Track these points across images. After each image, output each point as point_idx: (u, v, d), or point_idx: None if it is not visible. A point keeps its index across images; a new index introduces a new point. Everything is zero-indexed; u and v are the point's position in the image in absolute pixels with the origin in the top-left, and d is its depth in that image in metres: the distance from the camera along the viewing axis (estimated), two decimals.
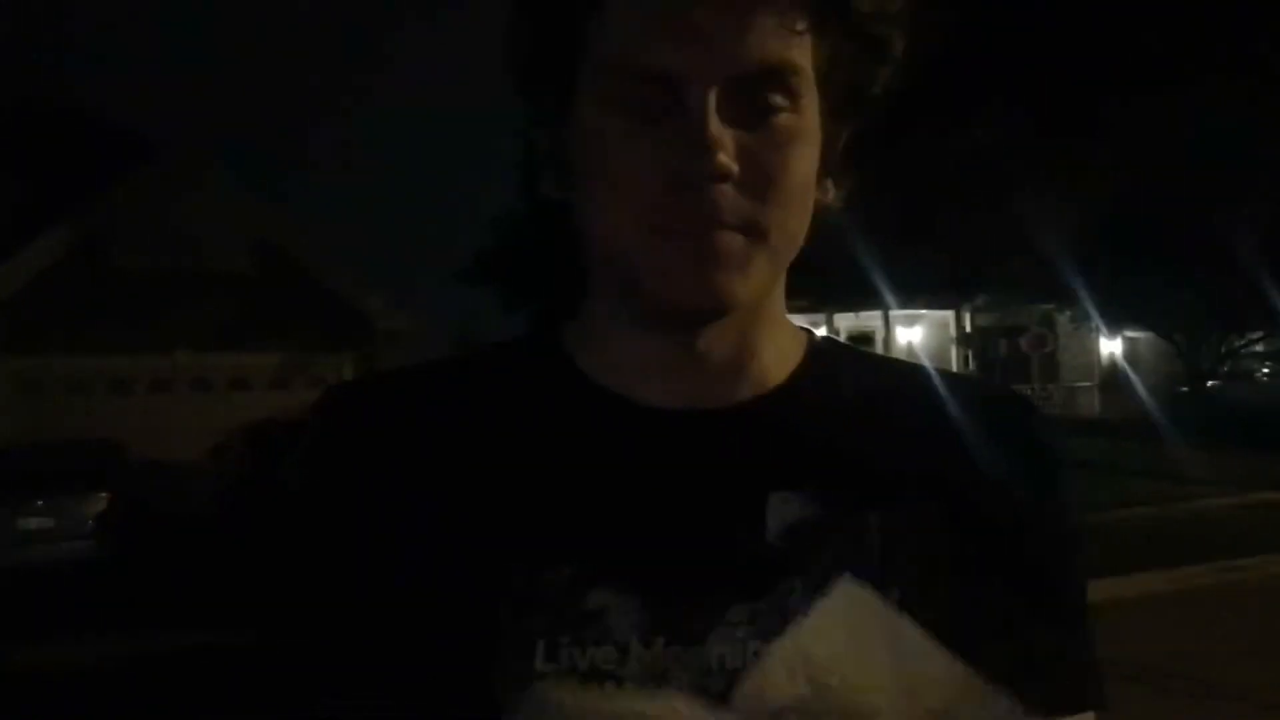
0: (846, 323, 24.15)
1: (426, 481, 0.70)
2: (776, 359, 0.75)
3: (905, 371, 0.79)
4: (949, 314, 25.11)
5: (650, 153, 0.64)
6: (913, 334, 25.00)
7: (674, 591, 0.67)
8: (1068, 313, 23.26)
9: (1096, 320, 23.42)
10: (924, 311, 24.60)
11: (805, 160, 0.67)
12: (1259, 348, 26.21)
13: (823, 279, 18.46)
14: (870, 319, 24.08)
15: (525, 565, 0.67)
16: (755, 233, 0.66)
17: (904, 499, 0.71)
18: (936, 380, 0.78)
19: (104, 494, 11.40)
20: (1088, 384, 26.67)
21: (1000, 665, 0.69)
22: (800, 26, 0.65)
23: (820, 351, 0.78)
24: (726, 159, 0.63)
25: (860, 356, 0.80)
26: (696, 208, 0.64)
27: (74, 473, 11.50)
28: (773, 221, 0.66)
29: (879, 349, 25.03)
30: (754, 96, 0.65)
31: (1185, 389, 23.56)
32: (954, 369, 23.41)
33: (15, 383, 15.92)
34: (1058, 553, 0.75)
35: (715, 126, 0.63)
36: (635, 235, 0.65)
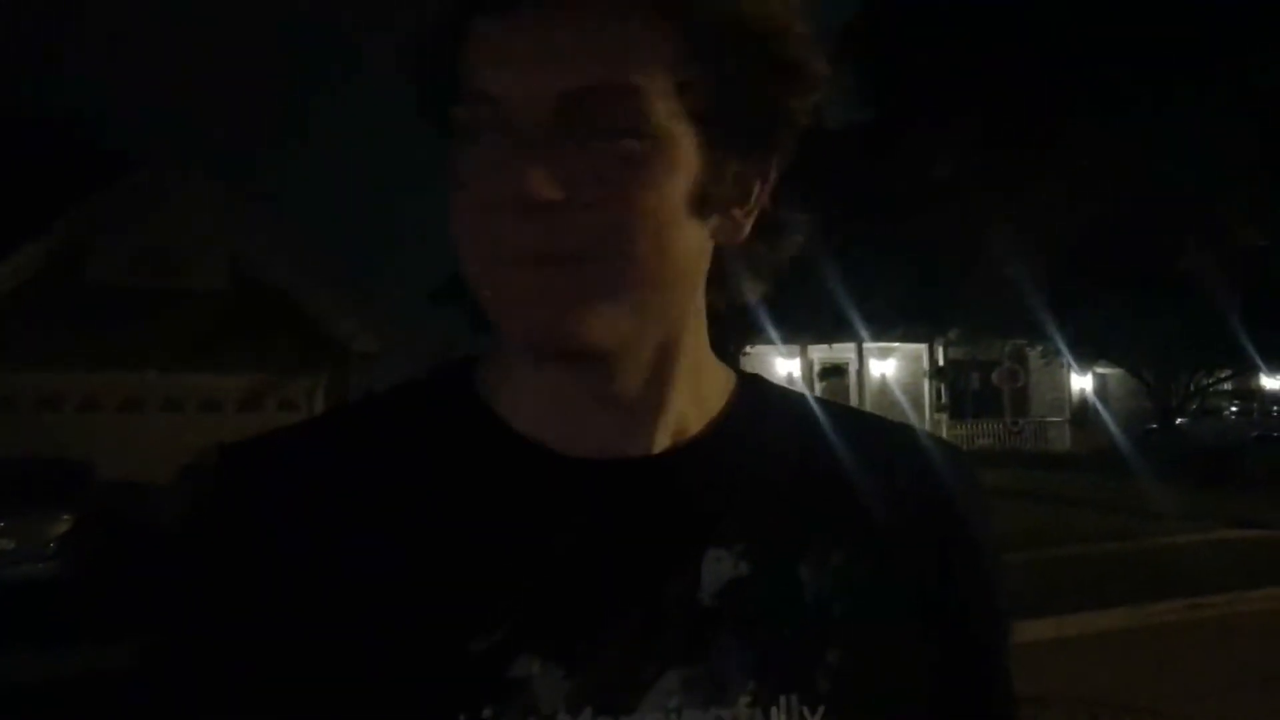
0: (820, 354, 24.26)
1: (334, 544, 0.64)
2: (697, 403, 0.70)
3: (835, 415, 0.75)
4: (922, 347, 25.28)
5: (477, 178, 0.61)
6: (886, 366, 25.14)
7: (602, 658, 0.62)
8: (1039, 348, 23.49)
9: (1067, 356, 23.66)
10: (897, 345, 24.75)
11: (659, 188, 0.61)
12: (1227, 386, 26.56)
13: (795, 311, 18.58)
14: (844, 351, 24.20)
15: (443, 633, 0.62)
16: (593, 265, 0.60)
17: (835, 551, 0.68)
18: (866, 425, 0.75)
19: (66, 515, 11.25)
20: (1059, 419, 26.89)
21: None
22: (640, 48, 0.60)
23: (746, 393, 0.73)
24: (543, 182, 0.58)
25: (788, 398, 0.76)
26: (519, 237, 0.60)
27: (39, 492, 11.35)
28: (614, 252, 0.60)
29: (852, 381, 25.17)
30: (590, 118, 0.60)
31: (1155, 425, 23.80)
32: (926, 402, 23.50)
33: None
34: (986, 607, 0.73)
35: (531, 148, 0.59)
36: (478, 266, 0.62)
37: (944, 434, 24.93)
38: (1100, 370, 26.62)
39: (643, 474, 0.67)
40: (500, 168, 0.60)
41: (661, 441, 0.68)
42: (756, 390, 0.74)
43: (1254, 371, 24.43)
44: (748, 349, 22.27)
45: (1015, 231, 14.79)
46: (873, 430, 0.75)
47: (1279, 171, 12.54)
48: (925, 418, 24.92)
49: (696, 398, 0.70)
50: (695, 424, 0.70)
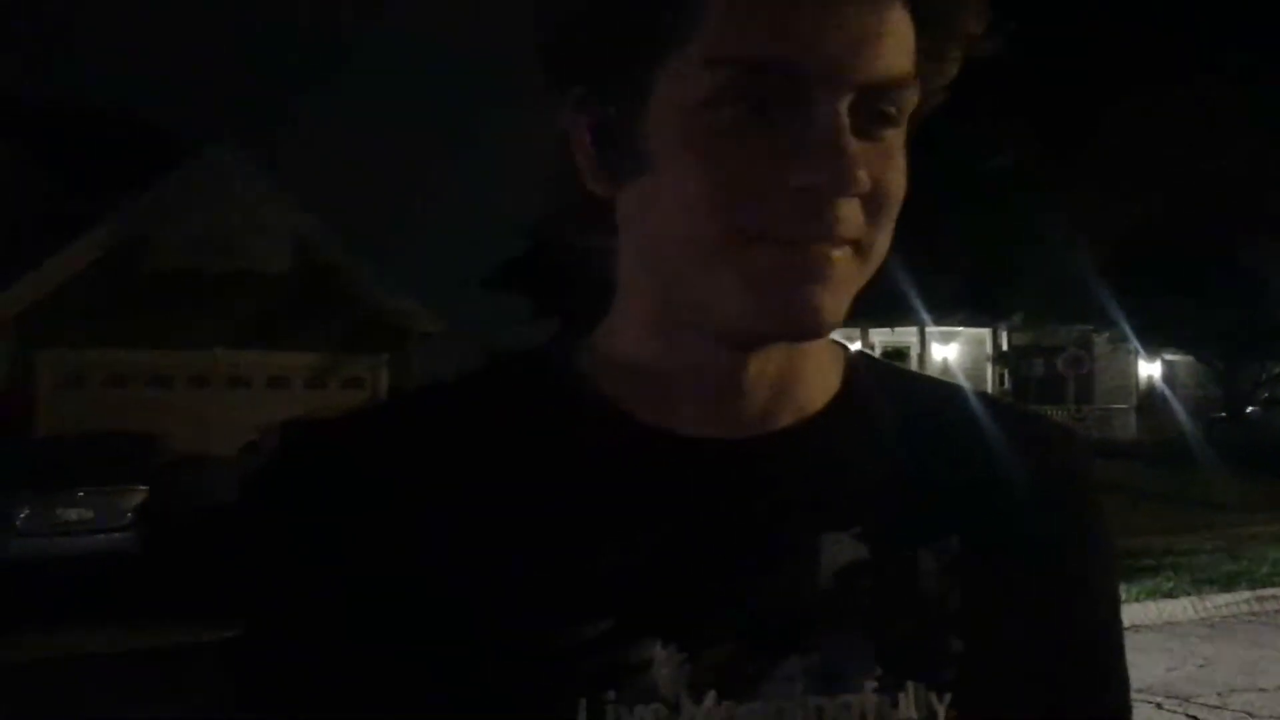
0: (881, 338, 24.03)
1: (443, 530, 0.63)
2: (819, 381, 0.68)
3: (945, 394, 0.74)
4: (985, 332, 24.95)
5: (770, 158, 0.58)
6: (948, 351, 24.86)
7: (724, 642, 0.61)
8: (1105, 334, 23.04)
9: (1134, 342, 23.16)
10: (960, 329, 24.44)
11: (904, 177, 0.62)
12: None
13: (859, 293, 18.30)
14: (906, 335, 23.95)
15: (562, 617, 0.61)
16: (860, 251, 0.61)
17: (953, 537, 0.66)
18: (975, 404, 0.73)
19: (142, 487, 11.56)
20: (1124, 406, 26.40)
21: (1044, 709, 0.66)
22: (913, 39, 0.60)
23: (858, 370, 0.71)
24: (861, 174, 0.57)
25: (898, 374, 0.74)
26: (816, 220, 0.58)
27: (113, 465, 11.67)
28: (876, 240, 0.61)
29: (914, 366, 24.89)
30: (874, 108, 0.59)
31: (1223, 414, 23.26)
32: (989, 388, 23.15)
33: (57, 376, 16.21)
34: (1100, 596, 0.72)
35: (848, 136, 0.58)
36: (727, 243, 0.59)
37: None
38: (1168, 357, 26.06)
39: (764, 452, 0.65)
40: (804, 151, 0.57)
41: (784, 419, 0.66)
42: (867, 363, 0.73)
43: None
44: None
45: (1080, 218, 14.51)
46: (992, 412, 0.72)
47: None
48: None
49: (820, 372, 0.69)
50: (817, 401, 0.68)
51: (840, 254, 0.60)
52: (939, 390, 0.75)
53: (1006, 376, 25.31)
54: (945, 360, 24.83)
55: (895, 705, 0.62)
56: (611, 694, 0.60)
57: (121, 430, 13.22)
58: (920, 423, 0.70)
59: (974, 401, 0.73)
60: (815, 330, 0.61)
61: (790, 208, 0.58)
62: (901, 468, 0.68)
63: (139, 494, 11.43)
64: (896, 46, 0.59)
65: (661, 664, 0.60)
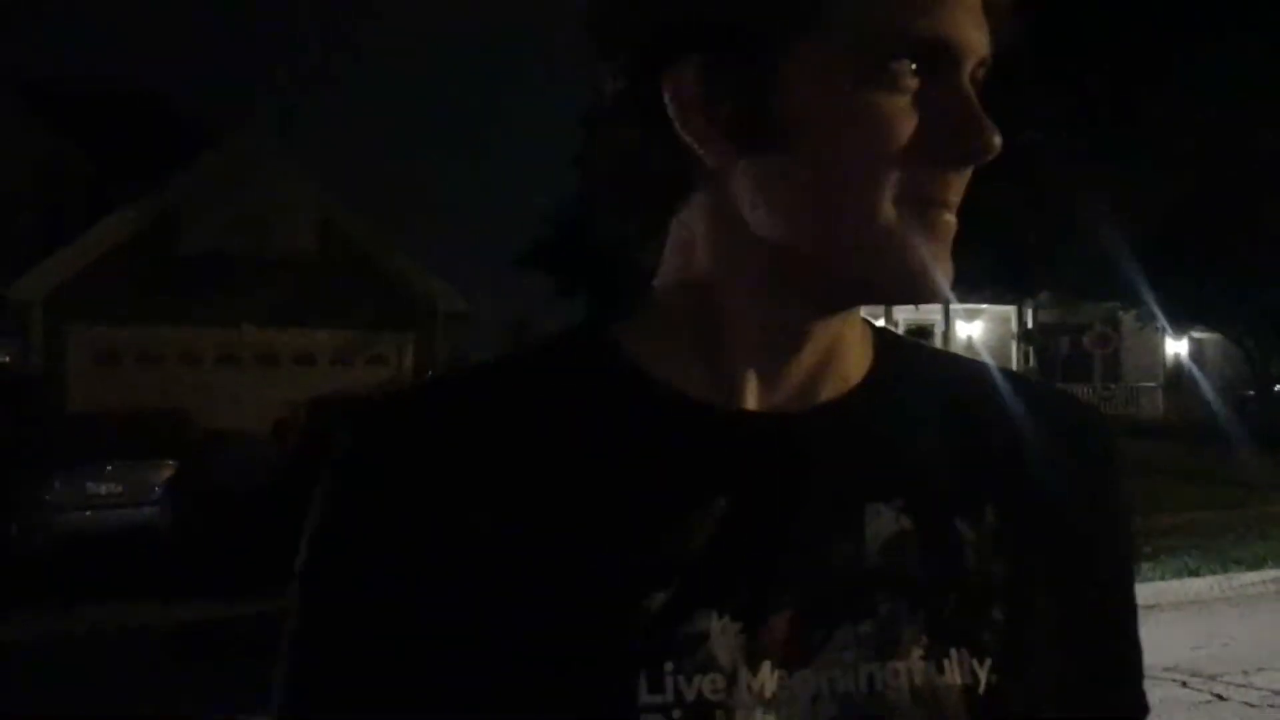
0: (905, 315, 23.91)
1: (501, 506, 0.64)
2: (858, 355, 0.71)
3: (972, 369, 0.76)
4: (1010, 309, 24.77)
5: (917, 130, 0.61)
6: (973, 329, 24.72)
7: (777, 613, 0.63)
8: (1133, 312, 22.84)
9: (1162, 320, 22.92)
10: (985, 306, 24.28)
11: None
12: None
13: None
14: (930, 312, 23.83)
15: (621, 590, 0.62)
16: (957, 217, 0.65)
17: (990, 508, 0.68)
18: (1001, 379, 0.75)
19: (171, 461, 11.68)
20: (1152, 384, 26.19)
21: (1067, 679, 0.69)
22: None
23: (889, 345, 0.73)
24: (995, 135, 0.62)
25: (925, 351, 0.77)
26: (953, 187, 0.63)
27: (143, 440, 11.79)
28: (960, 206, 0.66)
29: (938, 343, 24.75)
30: (975, 80, 0.64)
31: (1252, 393, 23.03)
32: (1014, 366, 23.05)
33: (89, 352, 16.40)
34: (1122, 569, 0.75)
35: (980, 108, 0.62)
36: (876, 210, 0.62)
37: None
38: (1196, 335, 25.81)
39: (810, 425, 0.67)
40: (950, 120, 0.61)
41: (826, 393, 0.68)
42: (895, 339, 0.75)
43: None
44: None
45: (1109, 196, 14.38)
46: (1019, 388, 0.75)
47: None
48: None
49: (858, 347, 0.71)
50: (856, 375, 0.70)
51: (954, 219, 0.64)
52: (964, 365, 0.77)
53: (1032, 354, 25.13)
54: (970, 338, 24.68)
55: (941, 671, 0.64)
56: (670, 665, 0.61)
57: (152, 406, 13.35)
58: (950, 397, 0.72)
59: (999, 377, 0.75)
60: (942, 292, 0.63)
61: (933, 176, 0.62)
62: (936, 441, 0.69)
63: (168, 469, 11.55)
64: (984, 21, 0.63)
65: (718, 635, 0.62)
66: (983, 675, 0.64)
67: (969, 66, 0.62)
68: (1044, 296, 23.61)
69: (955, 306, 23.42)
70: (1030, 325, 25.25)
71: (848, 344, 0.69)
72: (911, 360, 0.74)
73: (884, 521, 0.66)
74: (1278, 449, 15.05)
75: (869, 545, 0.65)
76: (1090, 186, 14.38)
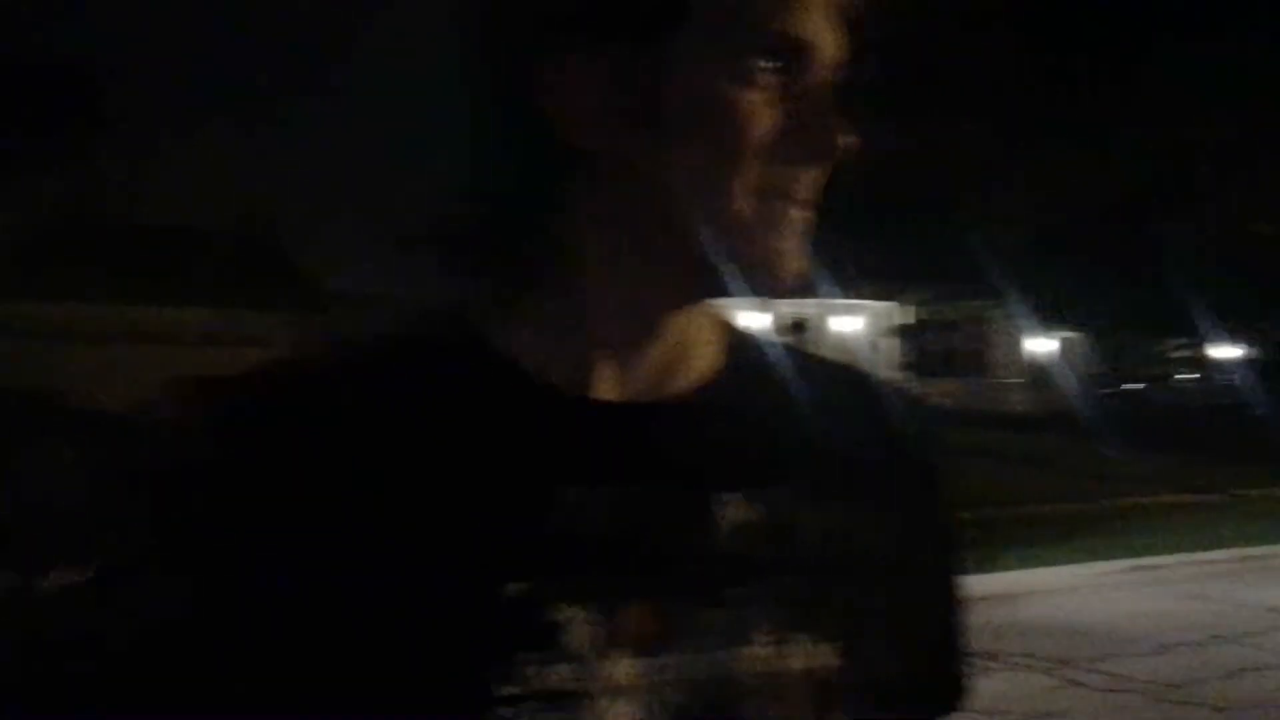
0: (785, 308, 24.32)
1: (354, 493, 0.63)
2: (711, 348, 0.72)
3: (818, 365, 0.78)
4: (888, 305, 25.42)
5: (776, 123, 0.63)
6: (852, 323, 25.29)
7: (630, 601, 0.63)
8: (1002, 310, 23.72)
9: (1029, 319, 23.88)
10: (864, 302, 24.86)
11: None
12: (1182, 354, 26.99)
13: None
14: (809, 306, 24.29)
15: (473, 580, 0.61)
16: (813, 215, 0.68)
17: (829, 497, 0.70)
18: (843, 376, 0.78)
19: (37, 442, 11.17)
20: (1018, 380, 27.21)
21: (895, 661, 0.71)
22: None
23: (741, 341, 0.74)
24: (846, 133, 0.65)
25: (775, 348, 0.78)
26: (807, 185, 0.66)
27: (7, 418, 11.26)
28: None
29: (816, 336, 25.29)
30: (836, 83, 0.67)
31: (1110, 390, 24.16)
32: (890, 360, 23.55)
33: None
34: (943, 556, 0.78)
35: (833, 100, 0.65)
36: (752, 205, 0.64)
37: (907, 394, 25.09)
38: (1062, 333, 26.92)
39: (662, 417, 0.68)
40: (820, 115, 0.64)
41: (681, 384, 0.69)
42: (749, 338, 0.76)
43: (1208, 341, 24.83)
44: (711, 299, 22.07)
45: (986, 198, 14.89)
46: (853, 380, 0.78)
47: (1243, 149, 12.63)
48: (888, 377, 25.08)
49: (713, 339, 0.72)
50: (712, 367, 0.71)
51: (807, 215, 0.66)
52: (811, 362, 0.78)
53: (907, 349, 25.84)
54: (848, 332, 25.23)
55: (789, 657, 0.65)
56: (522, 656, 0.61)
57: (15, 385, 12.75)
58: (797, 392, 0.74)
59: (841, 373, 0.79)
60: (791, 286, 0.66)
61: (787, 172, 0.64)
62: (782, 433, 0.71)
63: (33, 449, 11.03)
64: (841, 26, 0.66)
65: (573, 625, 0.62)
66: (829, 661, 0.66)
67: (824, 68, 0.64)
68: (920, 293, 24.32)
69: (836, 301, 23.93)
70: (906, 321, 25.95)
71: (702, 337, 0.71)
72: (762, 356, 0.75)
73: (733, 511, 0.67)
74: (1132, 443, 15.81)
75: (719, 534, 0.66)
76: (966, 190, 14.85)
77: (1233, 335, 24.45)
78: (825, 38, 0.64)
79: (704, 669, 0.63)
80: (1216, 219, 14.30)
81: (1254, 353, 25.39)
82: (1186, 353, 27.02)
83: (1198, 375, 27.15)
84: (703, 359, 0.71)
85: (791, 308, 24.40)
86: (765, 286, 0.65)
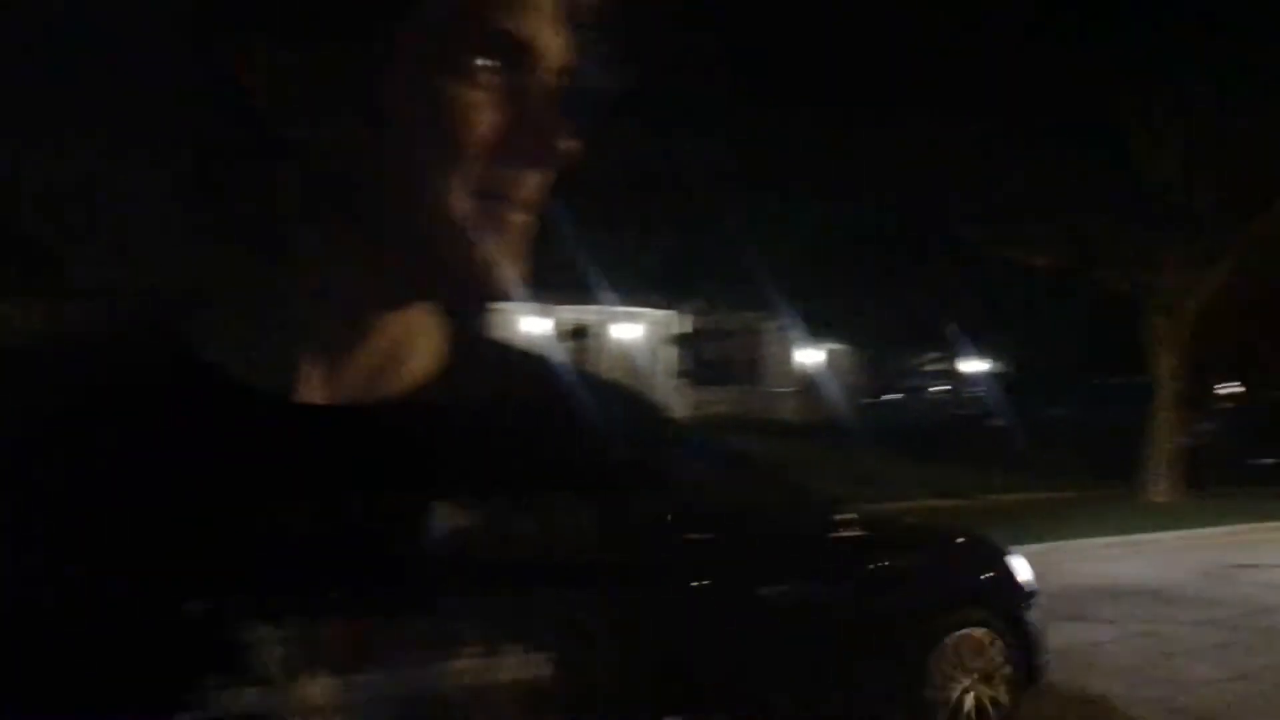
0: (566, 314, 24.46)
1: (24, 500, 0.59)
2: (431, 349, 0.70)
3: (546, 367, 0.77)
4: (668, 314, 25.96)
5: (497, 123, 0.62)
6: (633, 330, 25.67)
7: (332, 616, 0.60)
8: (775, 322, 24.73)
9: (800, 330, 25.02)
10: (645, 310, 25.30)
11: None
12: (936, 367, 28.96)
13: (543, 270, 18.59)
14: (591, 313, 24.51)
15: (156, 599, 0.58)
16: (536, 219, 0.66)
17: (548, 500, 0.69)
18: (573, 377, 0.77)
19: None
20: (788, 389, 28.36)
21: (616, 673, 0.70)
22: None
23: (468, 340, 0.73)
24: (566, 134, 0.63)
25: (501, 348, 0.77)
26: (528, 188, 0.64)
27: None
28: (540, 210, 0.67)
29: (598, 343, 25.56)
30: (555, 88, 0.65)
31: (871, 399, 25.59)
32: (669, 368, 24.00)
33: None
34: (677, 559, 0.78)
35: (555, 101, 0.63)
36: (448, 205, 0.61)
37: (684, 400, 25.79)
38: (829, 345, 28.28)
39: (375, 419, 0.65)
40: (542, 118, 0.62)
41: (396, 386, 0.67)
42: (474, 338, 0.74)
43: (958, 355, 26.72)
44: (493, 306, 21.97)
45: (759, 217, 15.49)
46: (589, 385, 0.76)
47: (986, 181, 13.62)
48: (667, 383, 25.64)
49: (430, 341, 0.70)
50: (426, 371, 0.69)
51: (528, 219, 0.64)
52: (538, 363, 0.77)
53: (685, 357, 26.48)
54: (629, 340, 25.61)
55: (499, 669, 0.63)
56: (210, 679, 0.57)
57: None
58: (521, 394, 0.72)
59: (564, 371, 0.77)
60: (506, 290, 0.64)
61: (507, 174, 0.62)
62: (503, 437, 0.69)
63: None
64: (565, 30, 0.65)
65: (265, 645, 0.59)
66: (542, 671, 0.64)
67: (549, 71, 0.63)
68: (698, 303, 25.00)
69: (617, 309, 24.25)
70: (684, 330, 26.59)
71: (419, 338, 0.69)
72: (485, 357, 0.74)
73: (448, 517, 0.64)
74: (891, 451, 16.79)
75: (432, 542, 0.64)
76: (743, 207, 15.39)
77: (978, 351, 26.47)
78: (550, 39, 0.63)
79: (407, 685, 0.61)
80: (965, 246, 15.37)
81: (997, 367, 27.53)
82: (940, 366, 28.99)
83: (949, 387, 29.13)
84: (420, 361, 0.69)
85: (572, 313, 24.54)
86: (479, 290, 0.64)
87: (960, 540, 5.68)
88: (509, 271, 0.64)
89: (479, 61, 0.61)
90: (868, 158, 13.34)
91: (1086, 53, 11.34)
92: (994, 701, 4.91)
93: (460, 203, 0.62)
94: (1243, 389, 24.13)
